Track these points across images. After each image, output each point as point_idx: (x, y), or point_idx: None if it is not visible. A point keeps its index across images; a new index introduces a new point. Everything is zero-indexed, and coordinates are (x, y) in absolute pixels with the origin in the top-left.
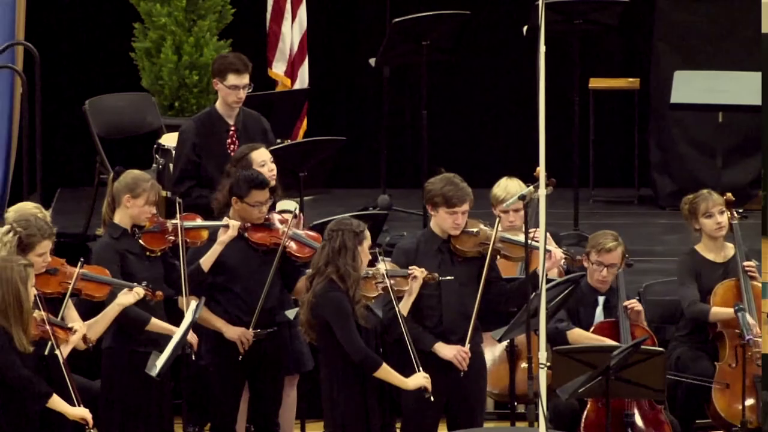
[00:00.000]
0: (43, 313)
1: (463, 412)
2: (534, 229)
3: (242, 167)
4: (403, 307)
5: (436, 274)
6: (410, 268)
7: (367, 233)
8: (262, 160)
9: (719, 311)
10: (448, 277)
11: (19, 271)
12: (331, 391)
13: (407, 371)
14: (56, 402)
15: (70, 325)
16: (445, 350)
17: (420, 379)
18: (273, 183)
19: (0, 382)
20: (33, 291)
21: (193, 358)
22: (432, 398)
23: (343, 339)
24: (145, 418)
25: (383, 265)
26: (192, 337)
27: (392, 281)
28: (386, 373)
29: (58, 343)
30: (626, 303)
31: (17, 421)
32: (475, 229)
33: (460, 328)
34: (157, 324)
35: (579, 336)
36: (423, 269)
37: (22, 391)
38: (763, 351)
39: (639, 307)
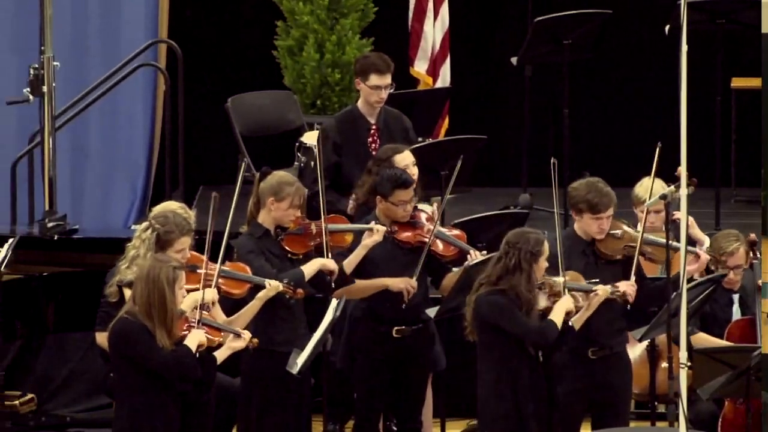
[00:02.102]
0: (193, 317)
1: (608, 408)
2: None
3: (385, 168)
4: (578, 322)
5: (620, 290)
6: (597, 287)
7: (545, 248)
8: (405, 163)
9: None
10: (595, 280)
11: (167, 272)
12: (489, 390)
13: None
14: (192, 344)
15: (237, 330)
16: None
17: (568, 301)
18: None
19: (145, 378)
20: (182, 293)
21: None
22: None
23: (514, 329)
24: (284, 416)
25: (561, 278)
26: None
27: (570, 294)
28: (557, 318)
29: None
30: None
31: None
32: (618, 232)
33: (605, 331)
34: (307, 269)
35: (703, 340)
36: (607, 287)
37: (176, 367)
38: (764, 351)
39: None
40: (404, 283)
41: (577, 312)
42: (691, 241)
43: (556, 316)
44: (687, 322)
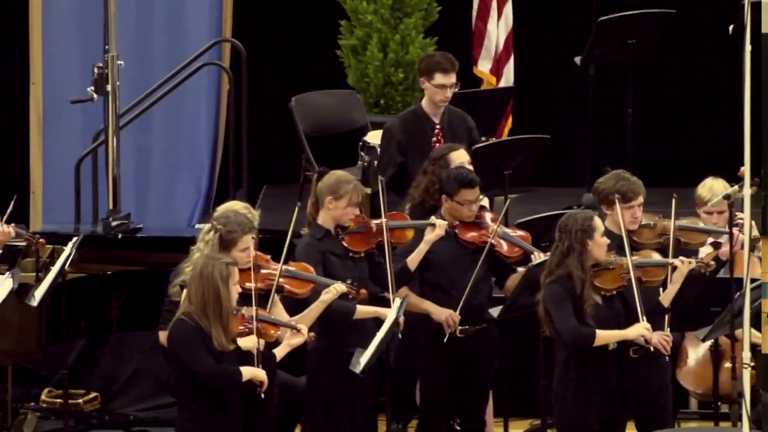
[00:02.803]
0: (253, 309)
1: (649, 408)
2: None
3: (440, 167)
4: (666, 299)
5: (711, 262)
6: (679, 259)
7: (596, 223)
8: (460, 161)
9: None
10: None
11: (220, 269)
12: (557, 384)
13: None
14: (246, 373)
15: (296, 325)
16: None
17: (639, 329)
18: None
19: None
20: (236, 289)
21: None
22: (652, 348)
23: (557, 323)
24: (349, 415)
25: (628, 258)
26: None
27: (638, 273)
28: (605, 336)
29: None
30: None
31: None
32: (651, 222)
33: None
34: (363, 311)
35: None
36: (690, 260)
37: (215, 383)
38: (764, 351)
39: None
40: (446, 315)
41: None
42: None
43: (609, 334)
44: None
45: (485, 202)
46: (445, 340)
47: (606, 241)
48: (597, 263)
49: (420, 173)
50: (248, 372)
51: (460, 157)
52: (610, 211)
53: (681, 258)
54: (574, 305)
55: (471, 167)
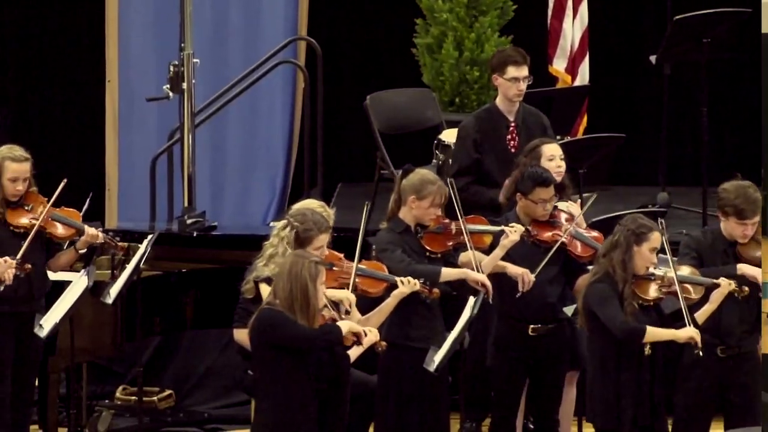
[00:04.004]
0: (334, 314)
1: (739, 409)
2: None
3: (532, 158)
4: (701, 317)
5: (745, 289)
6: (718, 280)
7: (652, 236)
8: (551, 154)
9: None
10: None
11: (309, 268)
12: (593, 380)
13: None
14: (345, 326)
15: (368, 329)
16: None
17: (690, 331)
18: (559, 179)
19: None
20: (323, 289)
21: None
22: (701, 353)
23: (605, 319)
24: (421, 413)
25: (672, 270)
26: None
27: (680, 287)
28: (654, 333)
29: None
30: None
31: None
32: (761, 237)
33: (736, 329)
34: (449, 273)
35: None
36: (730, 281)
37: (321, 342)
38: (764, 351)
39: None
40: (522, 271)
41: (691, 308)
42: None
43: (658, 333)
44: None
45: (574, 209)
46: (517, 295)
47: (653, 258)
48: (638, 274)
49: (514, 167)
50: (346, 326)
51: (552, 149)
52: (723, 219)
53: (723, 280)
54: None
55: (563, 162)
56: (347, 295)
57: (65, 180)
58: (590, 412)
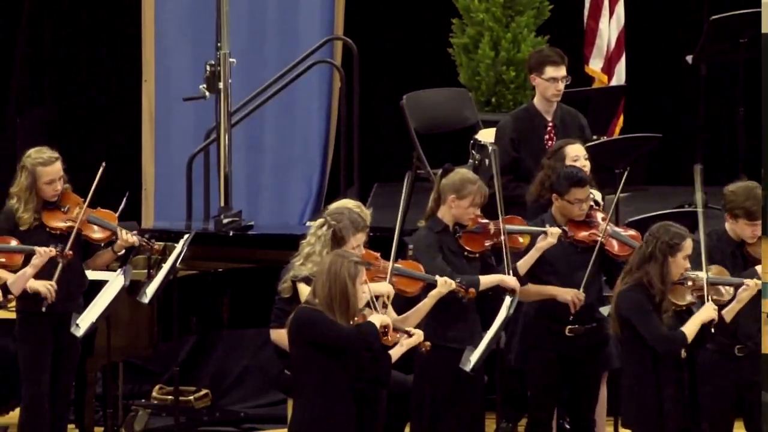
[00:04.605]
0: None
1: (759, 408)
2: None
3: (556, 160)
4: (728, 314)
5: None
6: (747, 280)
7: (685, 244)
8: (576, 154)
9: None
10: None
11: (348, 267)
12: (631, 385)
13: None
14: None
15: (408, 329)
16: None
17: (709, 309)
18: None
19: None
20: (363, 288)
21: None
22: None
23: (645, 333)
24: (457, 412)
25: (704, 273)
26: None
27: (712, 290)
28: (690, 332)
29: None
30: None
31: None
32: None
33: (752, 328)
34: (486, 281)
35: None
36: (758, 281)
37: (357, 341)
38: (764, 351)
39: None
40: (571, 295)
41: (722, 308)
42: None
43: (690, 327)
44: None
45: (598, 196)
46: (570, 318)
47: (687, 264)
48: (672, 281)
49: (539, 169)
50: (378, 319)
51: (575, 150)
52: (732, 221)
53: (751, 280)
54: None
55: (587, 162)
56: (388, 289)
57: (104, 164)
58: (628, 417)
